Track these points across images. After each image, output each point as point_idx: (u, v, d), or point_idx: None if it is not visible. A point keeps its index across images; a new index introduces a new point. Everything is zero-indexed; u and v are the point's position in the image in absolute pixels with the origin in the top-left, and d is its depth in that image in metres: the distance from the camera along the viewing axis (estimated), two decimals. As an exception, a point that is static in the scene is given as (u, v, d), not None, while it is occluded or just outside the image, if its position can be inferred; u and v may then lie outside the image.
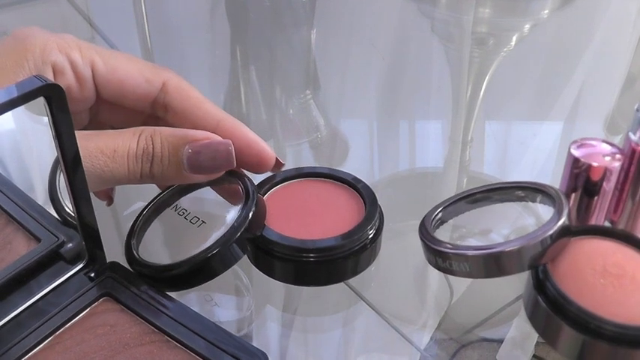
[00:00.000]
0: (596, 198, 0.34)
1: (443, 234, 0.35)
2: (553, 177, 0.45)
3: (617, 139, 0.51)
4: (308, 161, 0.53)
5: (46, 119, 0.27)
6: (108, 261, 0.32)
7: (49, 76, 0.33)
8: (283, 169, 0.38)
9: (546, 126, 0.57)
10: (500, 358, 0.37)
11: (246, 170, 0.36)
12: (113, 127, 0.39)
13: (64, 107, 0.27)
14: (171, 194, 0.36)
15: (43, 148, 0.30)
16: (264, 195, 0.37)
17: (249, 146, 0.35)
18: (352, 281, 0.37)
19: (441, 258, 0.33)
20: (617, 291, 0.30)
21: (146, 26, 0.67)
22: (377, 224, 0.35)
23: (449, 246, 0.33)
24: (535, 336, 0.34)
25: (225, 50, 0.65)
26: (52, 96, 0.26)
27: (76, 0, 0.68)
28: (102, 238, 0.31)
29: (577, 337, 0.30)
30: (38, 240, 0.32)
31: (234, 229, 0.32)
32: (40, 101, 0.26)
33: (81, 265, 0.31)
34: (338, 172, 0.38)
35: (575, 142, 0.34)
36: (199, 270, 0.32)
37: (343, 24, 0.68)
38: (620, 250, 0.32)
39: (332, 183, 0.38)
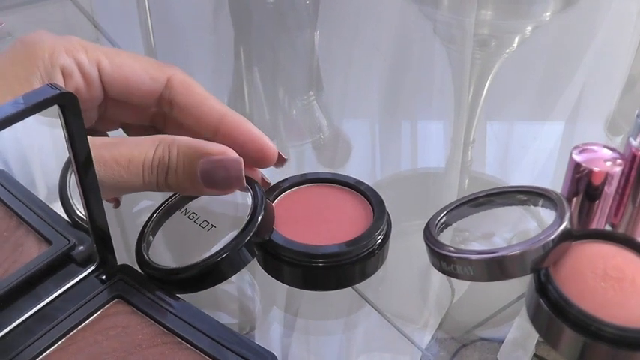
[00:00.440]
0: (597, 202, 0.35)
1: (447, 237, 0.35)
2: (554, 177, 0.46)
3: (618, 140, 0.51)
4: (311, 162, 0.53)
5: (55, 121, 0.27)
6: (118, 264, 0.32)
7: (59, 79, 0.34)
8: (286, 165, 0.38)
9: (548, 127, 0.57)
10: (502, 358, 0.37)
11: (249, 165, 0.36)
12: (122, 124, 0.40)
13: (77, 113, 0.27)
14: (181, 197, 0.37)
15: (53, 151, 0.31)
16: (274, 201, 0.37)
17: (253, 141, 0.36)
18: (359, 285, 0.38)
19: (445, 262, 0.33)
20: (617, 294, 0.31)
21: (150, 28, 0.67)
22: (385, 229, 0.36)
23: (453, 250, 0.33)
24: (536, 335, 0.34)
25: (229, 52, 0.65)
26: (66, 104, 0.26)
27: (81, 2, 0.68)
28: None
29: (578, 338, 0.30)
30: (49, 242, 0.32)
31: (243, 233, 0.33)
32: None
33: (92, 268, 0.31)
34: (345, 178, 0.38)
35: (576, 147, 0.35)
36: (209, 273, 0.32)
37: (346, 26, 0.68)
38: (620, 253, 0.33)
39: (338, 188, 0.38)
